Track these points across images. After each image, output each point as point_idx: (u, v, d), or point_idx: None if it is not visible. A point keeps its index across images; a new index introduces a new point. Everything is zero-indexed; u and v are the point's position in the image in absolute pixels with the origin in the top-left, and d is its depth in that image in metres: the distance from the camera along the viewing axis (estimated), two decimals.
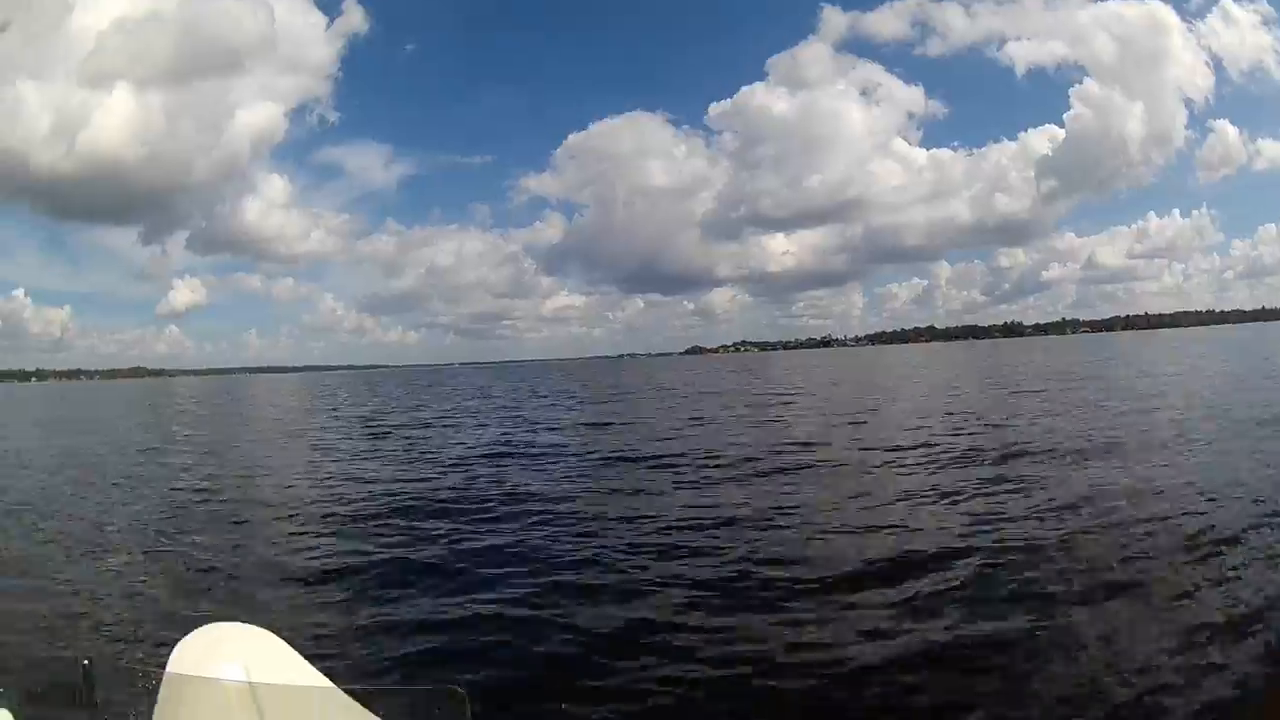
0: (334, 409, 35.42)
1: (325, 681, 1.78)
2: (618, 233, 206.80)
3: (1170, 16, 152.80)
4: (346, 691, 1.63)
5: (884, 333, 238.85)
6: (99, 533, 8.85)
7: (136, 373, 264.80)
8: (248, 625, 2.05)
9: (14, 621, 5.52)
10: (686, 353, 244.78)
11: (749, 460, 11.88)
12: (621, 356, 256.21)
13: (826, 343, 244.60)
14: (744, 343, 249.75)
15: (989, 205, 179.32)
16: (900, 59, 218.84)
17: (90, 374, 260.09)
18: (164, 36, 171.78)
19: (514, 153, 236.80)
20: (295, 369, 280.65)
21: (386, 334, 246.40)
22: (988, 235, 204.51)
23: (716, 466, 11.62)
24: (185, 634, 1.92)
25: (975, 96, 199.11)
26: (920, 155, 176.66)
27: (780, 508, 8.47)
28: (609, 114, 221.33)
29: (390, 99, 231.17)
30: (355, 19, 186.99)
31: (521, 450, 15.14)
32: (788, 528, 7.59)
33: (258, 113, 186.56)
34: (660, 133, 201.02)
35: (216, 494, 11.43)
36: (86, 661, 1.54)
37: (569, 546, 7.37)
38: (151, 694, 1.60)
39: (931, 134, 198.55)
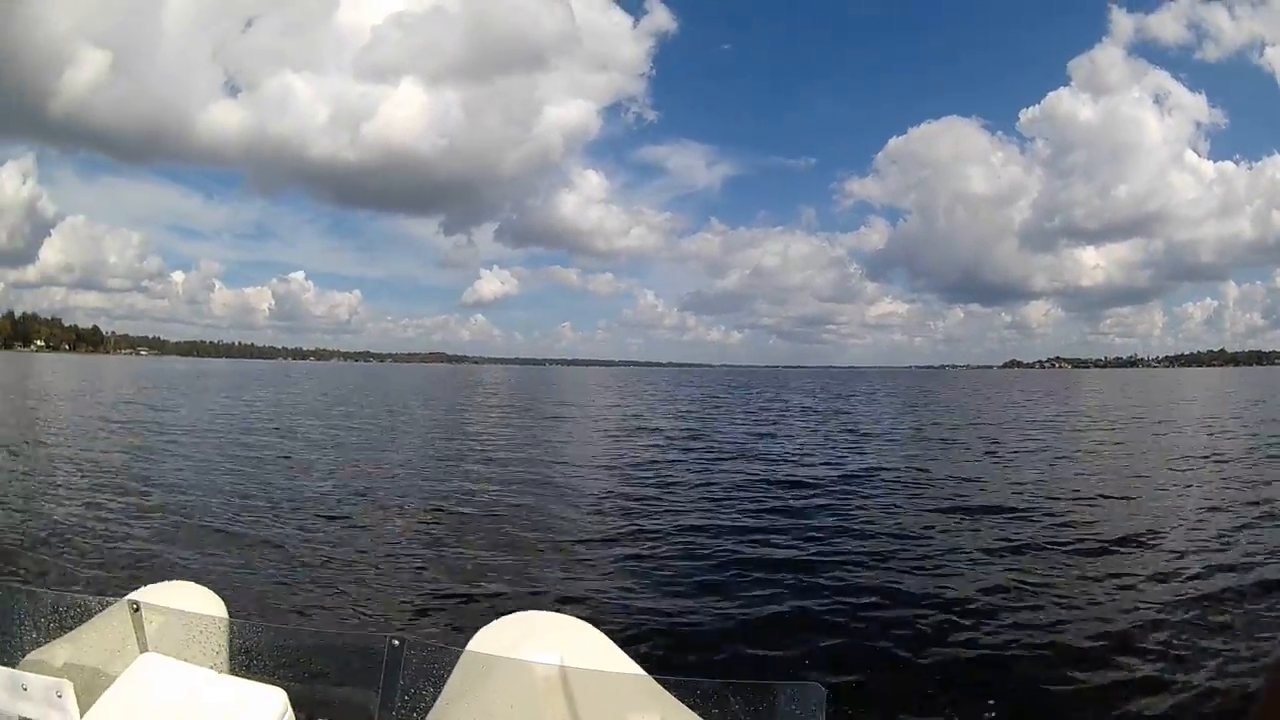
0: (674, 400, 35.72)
1: (643, 673, 1.67)
2: (939, 240, 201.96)
3: None
4: (672, 685, 1.46)
5: (1182, 355, 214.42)
6: (414, 508, 8.87)
7: (435, 358, 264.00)
8: (561, 614, 2.01)
9: (329, 594, 5.52)
10: (1004, 366, 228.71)
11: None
12: (943, 367, 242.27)
13: (1132, 363, 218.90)
14: (1058, 359, 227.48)
15: (1268, 222, 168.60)
16: (1183, 64, 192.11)
17: (381, 357, 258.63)
18: (451, 32, 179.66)
19: (836, 156, 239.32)
20: (611, 363, 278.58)
21: (709, 333, 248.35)
22: (1271, 254, 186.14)
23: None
24: (491, 619, 1.87)
25: (1248, 105, 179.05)
26: (1208, 168, 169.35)
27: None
28: (926, 118, 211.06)
29: (708, 99, 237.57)
30: (661, 19, 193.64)
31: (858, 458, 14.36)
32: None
33: (569, 109, 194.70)
34: (976, 139, 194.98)
35: (533, 478, 11.38)
36: (397, 642, 1.47)
37: (903, 551, 6.97)
38: (448, 673, 1.53)
39: (1217, 145, 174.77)
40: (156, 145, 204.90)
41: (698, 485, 10.74)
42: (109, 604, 1.72)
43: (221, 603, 1.96)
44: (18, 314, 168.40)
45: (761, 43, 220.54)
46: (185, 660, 1.55)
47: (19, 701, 1.41)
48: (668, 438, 18.04)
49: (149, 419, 20.72)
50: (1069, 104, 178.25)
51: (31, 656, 1.62)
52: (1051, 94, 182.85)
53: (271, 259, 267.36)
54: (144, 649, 1.60)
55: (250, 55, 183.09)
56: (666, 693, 1.46)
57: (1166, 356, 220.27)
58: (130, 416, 21.36)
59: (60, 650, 1.63)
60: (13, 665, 1.54)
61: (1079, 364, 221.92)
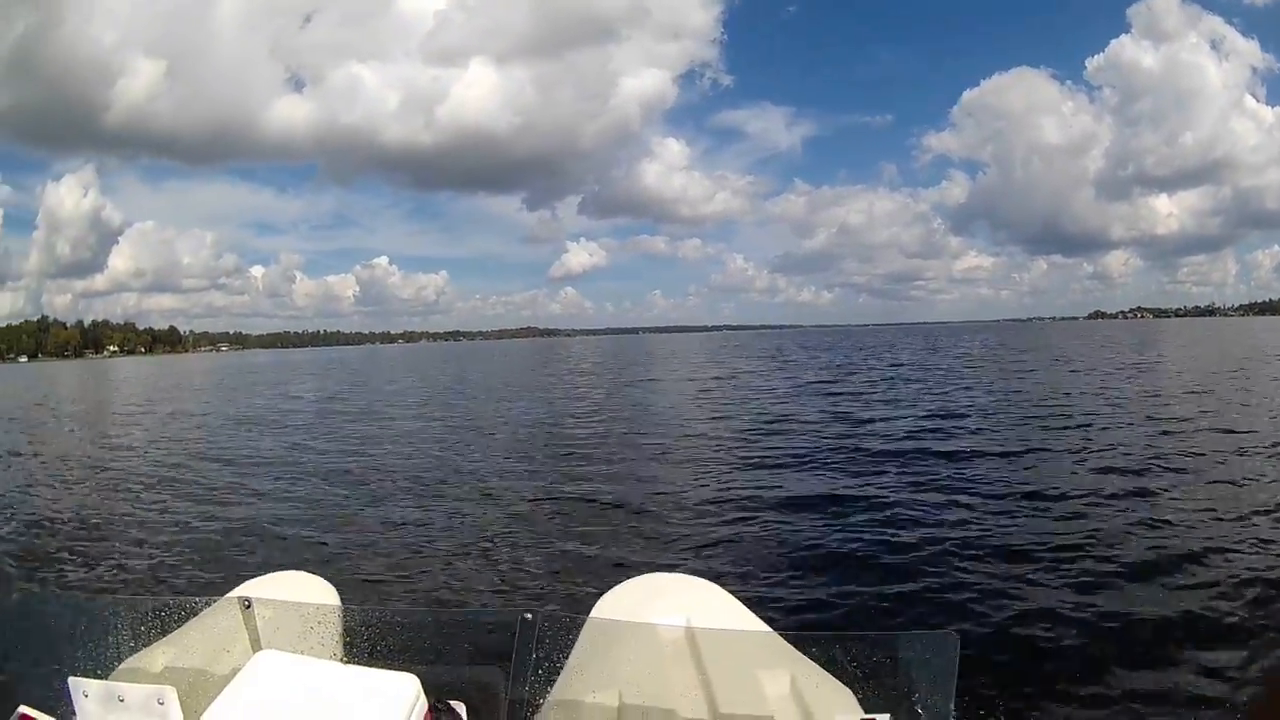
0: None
1: (770, 630, 1.65)
2: (1018, 192, 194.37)
3: None
4: (800, 641, 1.44)
5: (1256, 302, 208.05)
6: (520, 479, 8.60)
7: (526, 333, 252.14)
8: (685, 575, 2.00)
9: (440, 573, 5.32)
10: (1089, 317, 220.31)
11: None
12: (1030, 320, 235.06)
13: (1210, 311, 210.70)
14: (1140, 309, 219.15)
15: None
16: (1234, 9, 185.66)
17: (470, 335, 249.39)
18: (516, 11, 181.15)
19: (912, 111, 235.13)
20: (703, 328, 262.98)
21: (799, 294, 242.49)
22: None
23: None
24: (613, 584, 1.87)
25: None
26: (1268, 113, 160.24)
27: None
28: (996, 70, 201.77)
29: (782, 60, 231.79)
30: None
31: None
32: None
33: (644, 79, 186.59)
34: (1046, 89, 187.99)
35: (645, 443, 11.16)
36: (529, 615, 1.44)
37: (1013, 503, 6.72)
38: (575, 640, 1.49)
39: (1274, 90, 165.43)
40: (223, 145, 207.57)
41: (824, 446, 10.17)
42: (215, 602, 1.66)
43: (334, 590, 1.92)
44: (88, 322, 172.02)
45: (824, 2, 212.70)
46: (303, 653, 1.47)
47: (114, 714, 1.33)
48: (784, 400, 17.18)
49: (226, 411, 20.31)
50: (1131, 51, 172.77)
51: (128, 664, 1.52)
52: (1114, 41, 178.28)
53: (353, 246, 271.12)
54: (259, 646, 1.52)
55: (311, 49, 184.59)
56: (795, 649, 1.44)
57: (1241, 305, 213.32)
58: (204, 410, 20.97)
59: (161, 655, 1.54)
60: (110, 676, 1.46)
61: (1160, 313, 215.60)
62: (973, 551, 5.31)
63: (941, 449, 9.58)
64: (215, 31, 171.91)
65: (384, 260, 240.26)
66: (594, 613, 1.70)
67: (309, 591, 1.87)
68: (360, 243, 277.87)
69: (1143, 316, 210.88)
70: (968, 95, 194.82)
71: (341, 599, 1.84)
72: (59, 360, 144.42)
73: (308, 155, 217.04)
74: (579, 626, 1.51)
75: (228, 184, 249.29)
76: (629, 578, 1.91)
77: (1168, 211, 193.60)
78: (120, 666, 1.51)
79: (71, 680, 1.35)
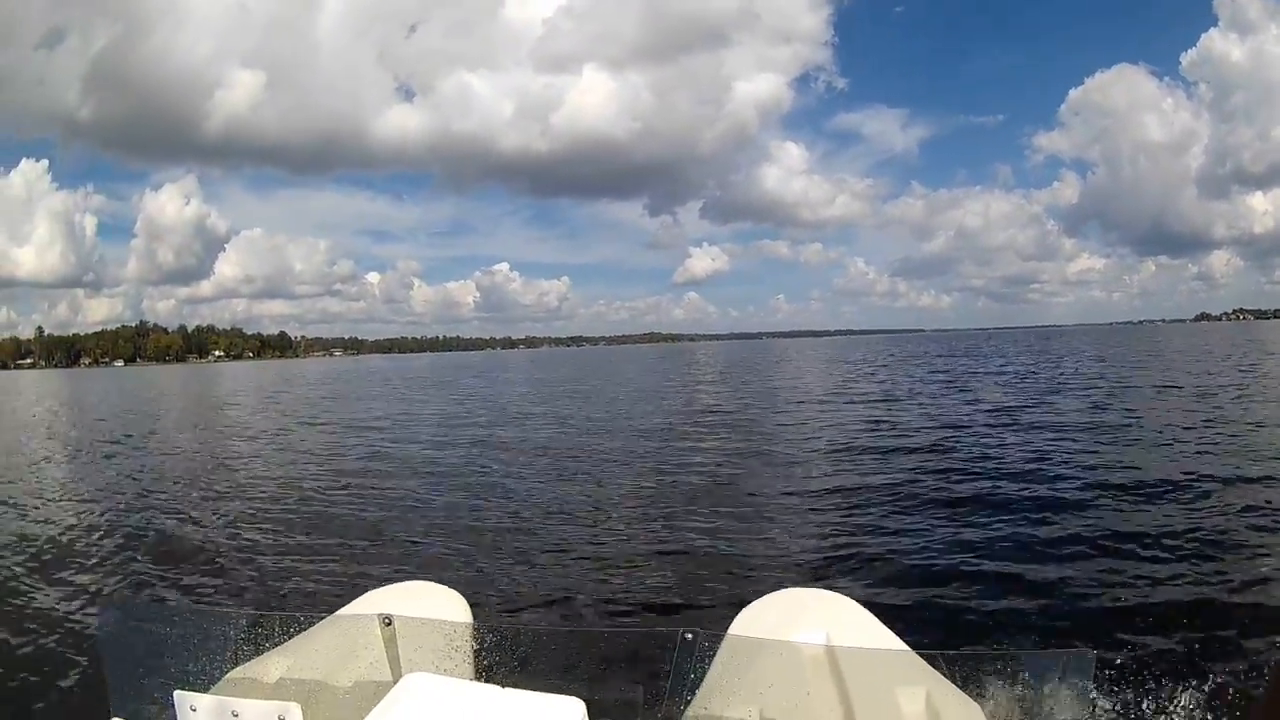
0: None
1: (906, 648, 1.63)
2: (1125, 192, 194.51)
3: None
4: (937, 659, 1.42)
5: None
6: (646, 488, 8.33)
7: (648, 338, 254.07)
8: (826, 591, 2.00)
9: (586, 586, 5.15)
10: (1195, 320, 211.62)
11: None
12: (1141, 323, 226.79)
13: None
14: (1241, 310, 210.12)
15: None
16: None
17: (593, 340, 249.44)
18: (625, 17, 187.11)
19: (1022, 110, 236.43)
20: (826, 333, 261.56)
21: (919, 298, 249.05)
22: None
23: None
24: (751, 598, 1.86)
25: None
26: None
27: None
28: (1098, 68, 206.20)
29: (893, 61, 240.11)
30: None
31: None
32: None
33: (758, 83, 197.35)
34: (1146, 85, 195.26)
35: (783, 451, 10.82)
36: (690, 635, 1.41)
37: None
38: (715, 655, 1.46)
39: None
40: (333, 154, 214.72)
41: (968, 457, 9.64)
42: (340, 616, 1.62)
43: (465, 602, 1.90)
44: (192, 327, 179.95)
45: (929, 2, 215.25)
46: (446, 673, 1.40)
47: None
48: (929, 406, 16.37)
49: (342, 414, 20.48)
50: (1220, 45, 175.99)
51: (241, 676, 1.47)
52: (1204, 35, 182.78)
53: (472, 253, 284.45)
54: (398, 664, 1.48)
55: (419, 59, 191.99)
56: (931, 668, 1.44)
57: None
58: (316, 414, 21.07)
59: (276, 669, 1.48)
60: (220, 690, 1.41)
61: (1260, 315, 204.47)
62: (1127, 571, 5.00)
63: (1117, 466, 8.50)
64: (316, 42, 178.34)
65: (505, 266, 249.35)
66: (733, 629, 1.73)
67: (442, 604, 1.84)
68: (479, 249, 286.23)
69: (1244, 318, 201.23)
70: (1074, 93, 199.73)
71: (473, 612, 1.85)
72: (158, 364, 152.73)
73: (423, 163, 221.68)
74: (719, 642, 1.50)
75: (337, 192, 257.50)
76: (766, 593, 1.93)
77: (1264, 209, 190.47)
78: (230, 678, 1.46)
79: (178, 694, 1.29)
